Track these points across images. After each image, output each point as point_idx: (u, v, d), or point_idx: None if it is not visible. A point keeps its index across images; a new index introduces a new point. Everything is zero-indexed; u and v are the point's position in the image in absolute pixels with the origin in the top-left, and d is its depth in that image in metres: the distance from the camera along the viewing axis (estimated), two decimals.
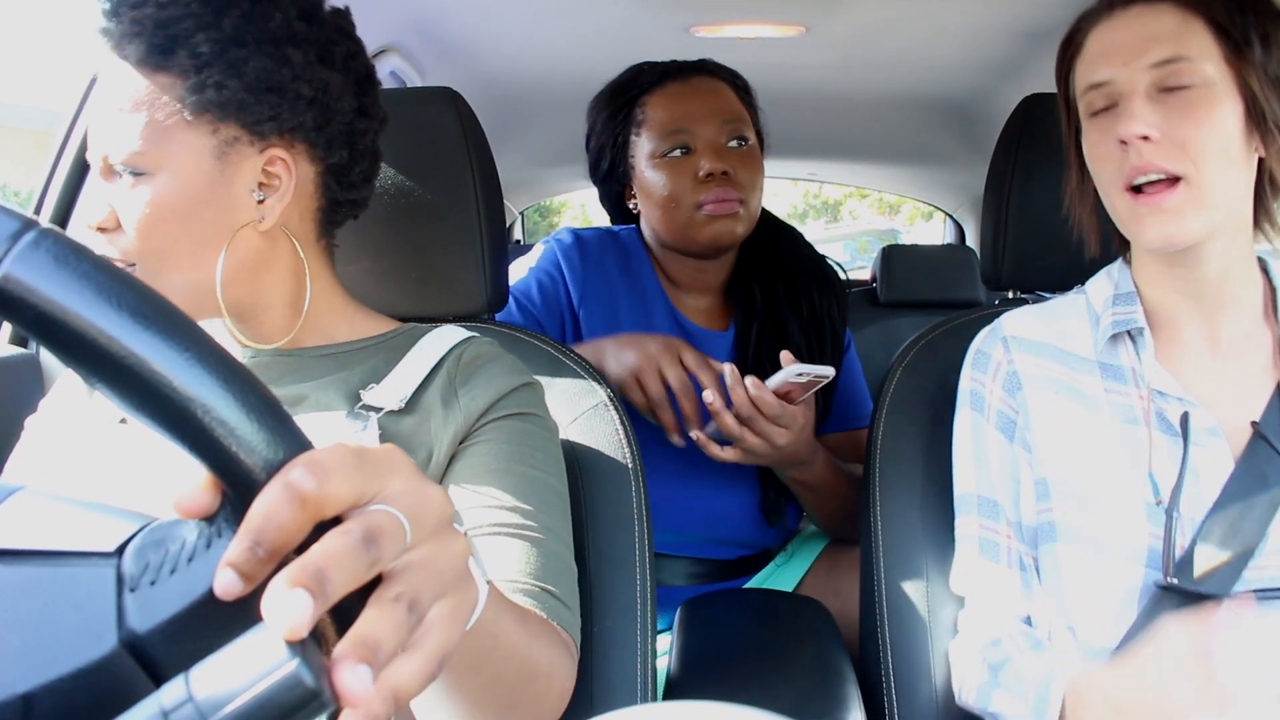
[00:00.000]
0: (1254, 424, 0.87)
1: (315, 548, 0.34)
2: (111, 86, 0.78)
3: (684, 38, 1.65)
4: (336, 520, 0.37)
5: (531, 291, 1.39)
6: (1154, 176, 0.83)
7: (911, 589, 1.06)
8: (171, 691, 0.31)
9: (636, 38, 1.64)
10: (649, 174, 1.36)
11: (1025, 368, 0.96)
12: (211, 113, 0.77)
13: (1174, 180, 0.83)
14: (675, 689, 1.08)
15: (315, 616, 0.33)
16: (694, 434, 1.19)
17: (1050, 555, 0.92)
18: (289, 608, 0.32)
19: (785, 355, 1.14)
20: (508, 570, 0.77)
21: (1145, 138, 0.82)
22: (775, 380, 1.13)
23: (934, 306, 2.74)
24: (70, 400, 0.92)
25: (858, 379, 1.52)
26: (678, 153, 1.34)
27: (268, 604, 0.32)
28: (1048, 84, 1.19)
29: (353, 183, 0.88)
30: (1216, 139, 0.82)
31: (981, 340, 1.02)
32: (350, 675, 0.34)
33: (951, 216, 3.37)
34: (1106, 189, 0.89)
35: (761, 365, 1.36)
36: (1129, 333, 0.93)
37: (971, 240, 3.17)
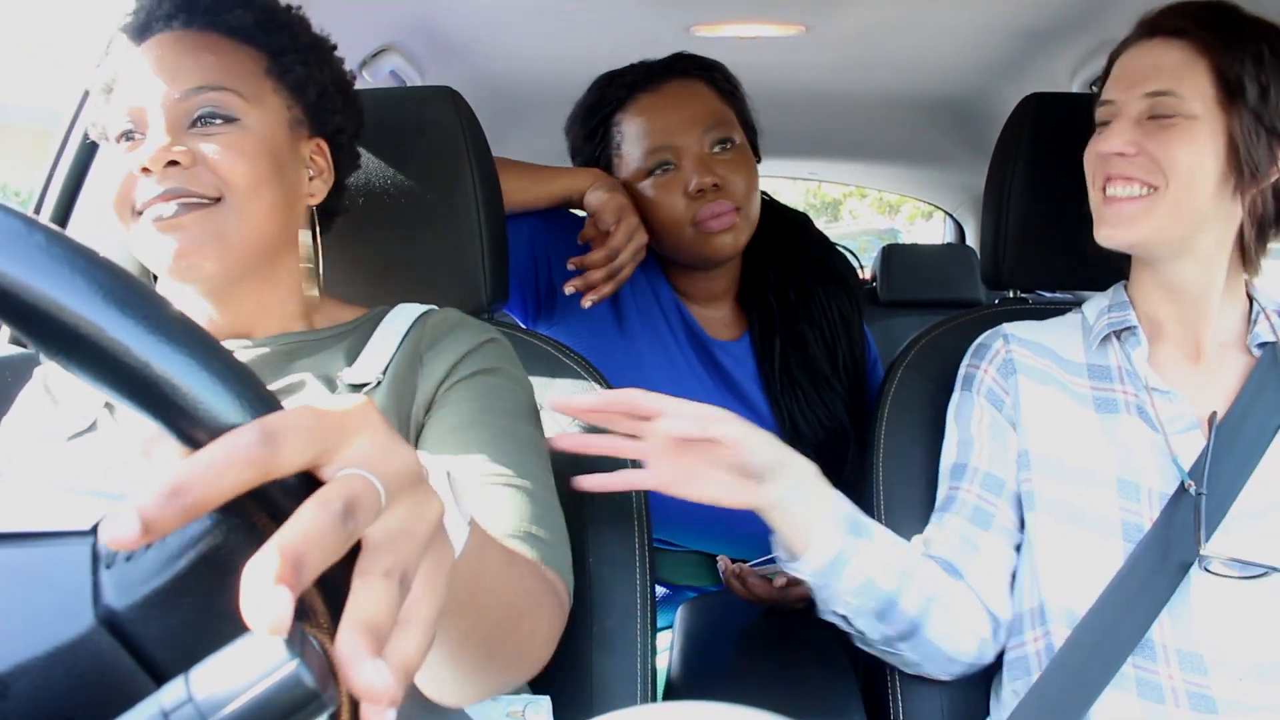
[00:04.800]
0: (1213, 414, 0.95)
1: (293, 526, 0.33)
2: (185, 49, 0.84)
3: (684, 37, 1.65)
4: (313, 481, 0.36)
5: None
6: (1126, 190, 0.94)
7: None
8: (171, 692, 0.31)
9: (636, 37, 1.64)
10: (637, 195, 1.29)
11: (1021, 358, 1.05)
12: (292, 90, 0.87)
13: (1147, 193, 0.93)
14: (675, 689, 1.08)
15: (294, 603, 0.31)
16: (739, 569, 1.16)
17: (1028, 522, 0.99)
18: (270, 606, 0.31)
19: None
20: (490, 524, 0.75)
21: (1120, 154, 0.93)
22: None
23: (934, 306, 2.74)
24: (32, 414, 0.90)
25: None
26: (661, 171, 1.28)
27: (247, 599, 0.31)
28: (1048, 83, 1.20)
29: (340, 192, 0.96)
30: (1186, 160, 0.91)
31: (983, 336, 1.11)
32: (371, 672, 0.33)
33: (951, 216, 3.37)
34: (1090, 188, 0.99)
35: (789, 375, 1.33)
36: (1118, 336, 1.03)
37: (971, 240, 3.18)
